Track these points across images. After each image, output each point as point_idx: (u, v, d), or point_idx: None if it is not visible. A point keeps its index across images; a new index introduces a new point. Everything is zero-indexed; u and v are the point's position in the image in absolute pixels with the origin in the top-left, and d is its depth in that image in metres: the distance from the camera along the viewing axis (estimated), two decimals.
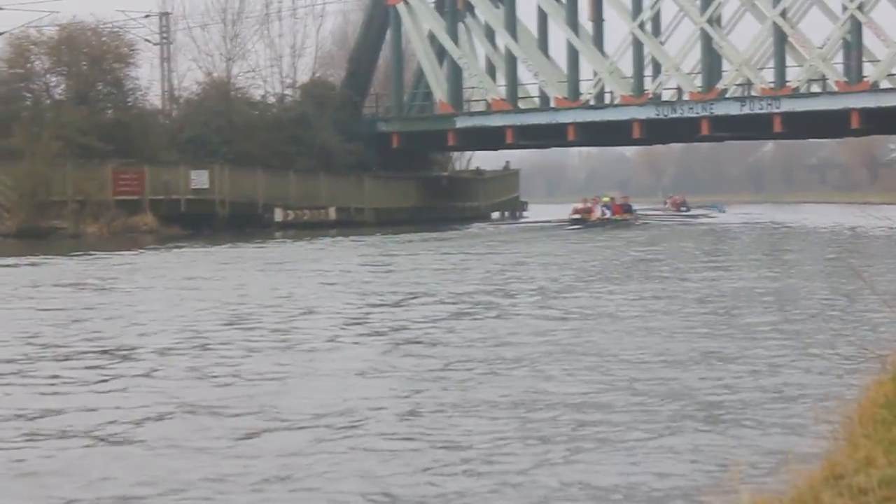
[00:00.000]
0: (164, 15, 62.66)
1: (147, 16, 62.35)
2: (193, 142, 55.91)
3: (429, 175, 67.08)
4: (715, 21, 56.24)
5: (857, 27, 53.14)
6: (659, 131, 58.38)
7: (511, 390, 11.17)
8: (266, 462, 8.58)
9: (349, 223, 56.71)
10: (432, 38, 61.90)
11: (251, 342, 14.96)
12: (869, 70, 53.34)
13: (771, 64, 55.38)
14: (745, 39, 57.13)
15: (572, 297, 20.30)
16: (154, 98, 60.09)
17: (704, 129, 55.50)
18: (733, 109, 54.16)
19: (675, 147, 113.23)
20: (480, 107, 61.49)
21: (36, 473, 8.47)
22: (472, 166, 74.33)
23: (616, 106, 57.61)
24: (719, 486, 6.73)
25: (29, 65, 54.11)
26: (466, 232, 51.42)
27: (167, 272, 27.58)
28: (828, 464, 5.93)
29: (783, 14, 54.53)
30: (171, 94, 61.37)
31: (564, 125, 58.03)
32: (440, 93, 61.11)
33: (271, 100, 63.00)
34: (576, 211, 54.10)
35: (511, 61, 59.87)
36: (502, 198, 73.37)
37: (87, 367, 13.12)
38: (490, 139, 61.54)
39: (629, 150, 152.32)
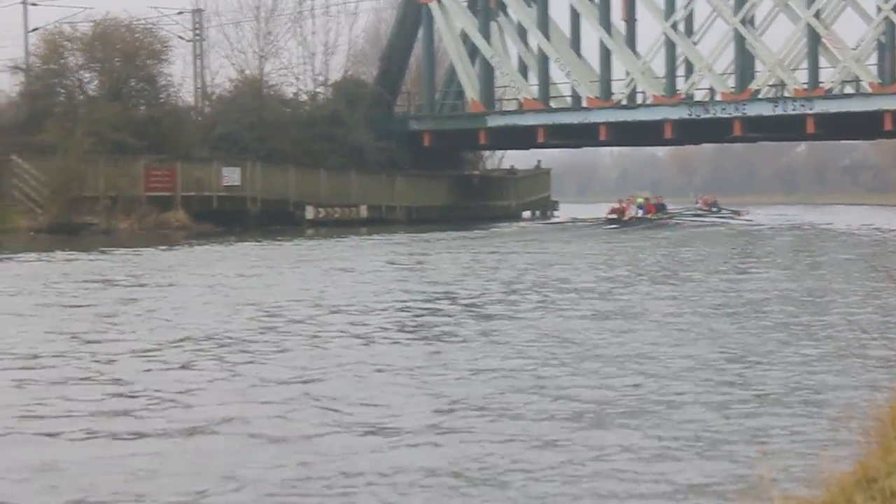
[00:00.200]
0: (197, 12, 63.08)
1: (180, 13, 62.91)
2: (225, 139, 56.08)
3: (460, 174, 67.05)
4: (748, 21, 56.05)
5: (891, 28, 52.84)
6: (691, 132, 58.26)
7: (544, 394, 11.24)
8: (328, 464, 8.64)
9: (380, 221, 56.81)
10: (464, 36, 61.97)
11: (288, 340, 15.04)
12: None
13: (804, 65, 55.13)
14: (778, 40, 57.01)
15: (611, 297, 20.32)
16: (187, 95, 60.56)
17: (737, 130, 55.31)
18: (766, 110, 53.96)
19: (707, 147, 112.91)
20: (512, 106, 61.48)
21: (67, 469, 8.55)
22: (505, 165, 74.25)
23: (648, 106, 57.49)
24: (751, 488, 6.72)
25: (62, 61, 54.40)
26: (504, 230, 51.23)
27: (200, 269, 27.68)
28: (860, 467, 5.92)
29: (817, 15, 54.27)
30: (204, 91, 61.63)
31: (596, 125, 57.99)
32: (472, 91, 61.14)
33: (303, 97, 63.13)
34: (612, 211, 58.17)
35: (543, 60, 59.83)
36: (533, 197, 73.20)
37: (122, 364, 13.25)
38: (521, 138, 61.54)
39: (661, 151, 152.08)
